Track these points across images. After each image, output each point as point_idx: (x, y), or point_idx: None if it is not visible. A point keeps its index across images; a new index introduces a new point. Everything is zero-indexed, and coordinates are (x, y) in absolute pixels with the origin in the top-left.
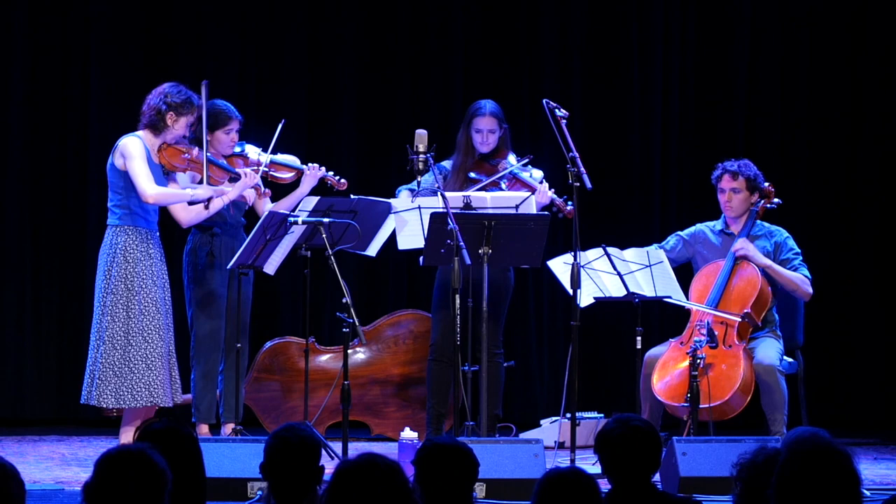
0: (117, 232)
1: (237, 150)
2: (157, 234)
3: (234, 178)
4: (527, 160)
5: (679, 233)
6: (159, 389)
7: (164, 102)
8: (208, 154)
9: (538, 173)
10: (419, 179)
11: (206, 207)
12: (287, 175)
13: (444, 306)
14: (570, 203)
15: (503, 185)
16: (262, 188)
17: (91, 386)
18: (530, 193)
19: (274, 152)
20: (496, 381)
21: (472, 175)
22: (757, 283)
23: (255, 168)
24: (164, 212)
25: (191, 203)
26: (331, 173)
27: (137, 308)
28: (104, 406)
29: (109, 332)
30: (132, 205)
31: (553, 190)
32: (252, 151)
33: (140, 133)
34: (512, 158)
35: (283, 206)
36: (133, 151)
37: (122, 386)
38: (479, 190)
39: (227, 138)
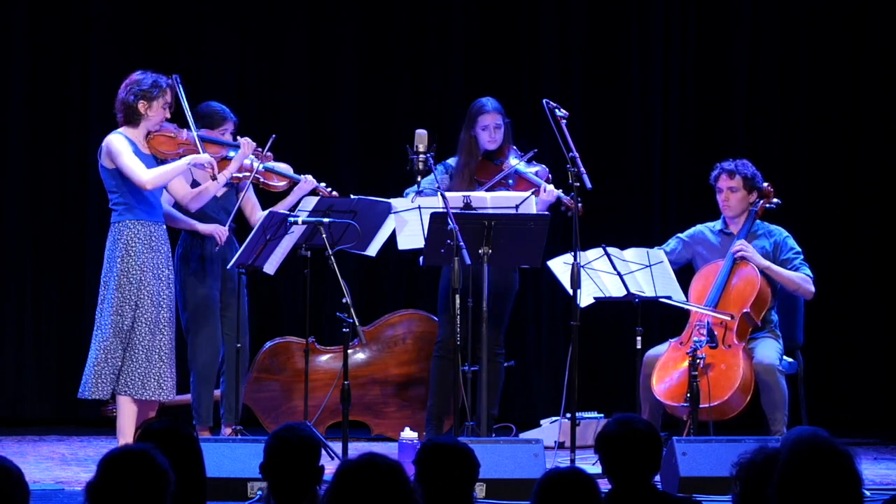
0: (120, 228)
1: (230, 153)
2: (164, 226)
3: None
4: (531, 154)
5: (679, 235)
6: (152, 383)
7: (132, 94)
8: (199, 132)
9: (539, 168)
10: (419, 181)
11: (214, 178)
12: (280, 184)
13: (450, 307)
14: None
15: (510, 184)
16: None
17: (88, 378)
18: (533, 192)
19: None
20: (496, 382)
21: (478, 177)
22: (756, 283)
23: (247, 174)
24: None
25: (196, 185)
26: (322, 184)
27: (134, 302)
28: (97, 398)
29: (113, 325)
30: (130, 199)
31: (558, 189)
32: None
33: (121, 130)
34: (513, 159)
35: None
36: (117, 147)
37: (119, 378)
38: (488, 190)
39: None
